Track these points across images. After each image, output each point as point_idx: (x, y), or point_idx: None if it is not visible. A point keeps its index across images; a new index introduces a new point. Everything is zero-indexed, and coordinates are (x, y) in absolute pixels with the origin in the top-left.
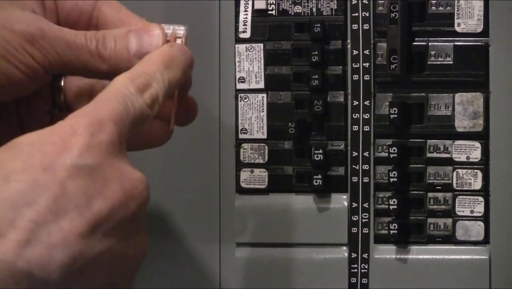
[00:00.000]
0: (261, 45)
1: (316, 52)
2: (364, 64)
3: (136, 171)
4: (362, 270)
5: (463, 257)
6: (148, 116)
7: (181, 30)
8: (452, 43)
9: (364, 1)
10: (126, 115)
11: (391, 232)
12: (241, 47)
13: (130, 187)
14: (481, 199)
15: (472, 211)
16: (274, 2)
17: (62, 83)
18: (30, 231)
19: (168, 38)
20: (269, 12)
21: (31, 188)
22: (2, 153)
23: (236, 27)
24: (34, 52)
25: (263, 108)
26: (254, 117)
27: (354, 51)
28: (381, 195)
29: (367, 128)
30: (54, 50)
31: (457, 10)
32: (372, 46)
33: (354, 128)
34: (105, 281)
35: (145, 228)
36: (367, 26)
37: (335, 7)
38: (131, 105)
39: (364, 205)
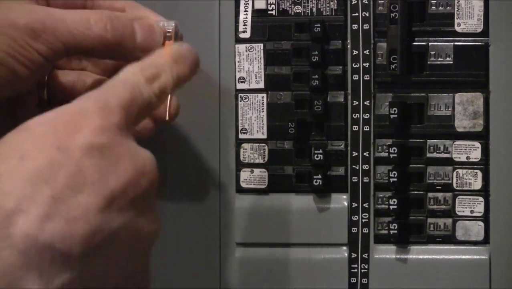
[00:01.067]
0: (261, 45)
1: (316, 52)
2: (364, 64)
3: (145, 150)
4: (362, 270)
5: (463, 257)
6: (155, 105)
7: (170, 26)
8: (452, 43)
9: (364, 1)
10: (133, 102)
11: (391, 232)
12: (241, 47)
13: (141, 165)
14: (481, 199)
15: (472, 211)
16: (274, 2)
17: (46, 79)
18: (50, 205)
19: (168, 35)
20: (269, 12)
21: (47, 165)
22: (14, 135)
23: (236, 27)
24: (39, 47)
25: (263, 108)
26: (254, 117)
27: (354, 51)
28: (381, 195)
29: (367, 128)
30: (58, 40)
31: (457, 10)
32: (372, 46)
33: (354, 128)
34: (123, 259)
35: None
36: (367, 26)
37: (335, 7)
38: (139, 93)
39: (364, 205)
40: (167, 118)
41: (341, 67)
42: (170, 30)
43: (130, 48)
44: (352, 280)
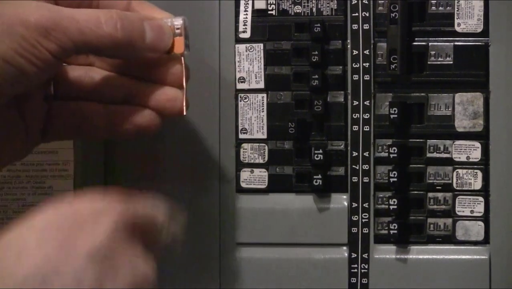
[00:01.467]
0: (261, 45)
1: (316, 52)
2: (364, 64)
3: (148, 261)
4: (362, 270)
5: (463, 257)
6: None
7: (179, 22)
8: (452, 43)
9: (364, 1)
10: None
11: (391, 232)
12: (241, 47)
13: (141, 280)
14: (481, 199)
15: (472, 211)
16: (274, 2)
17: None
18: None
19: (177, 32)
20: (269, 12)
21: (45, 263)
22: (16, 231)
23: (236, 27)
24: (49, 45)
25: (263, 108)
26: (254, 117)
27: (354, 51)
28: (381, 195)
29: (367, 128)
30: (68, 39)
31: (457, 10)
32: (372, 46)
33: (354, 128)
34: None
35: None
36: (367, 26)
37: (335, 7)
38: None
39: (364, 205)
40: (184, 113)
41: (341, 67)
42: (179, 26)
43: (140, 47)
44: (352, 280)
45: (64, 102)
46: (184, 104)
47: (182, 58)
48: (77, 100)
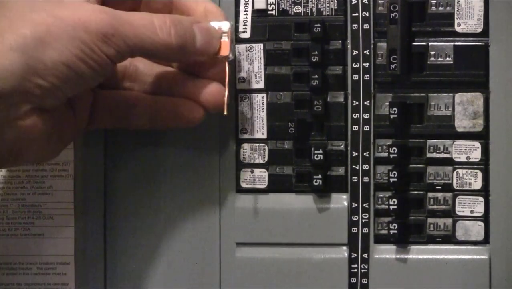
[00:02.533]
0: (261, 45)
1: (316, 52)
2: (364, 64)
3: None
4: (362, 270)
5: (463, 257)
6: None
7: (226, 26)
8: (452, 43)
9: (364, 1)
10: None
11: (391, 232)
12: (241, 47)
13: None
14: (481, 199)
15: (472, 211)
16: (274, 2)
17: None
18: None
19: (224, 35)
20: (269, 12)
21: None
22: None
23: (236, 27)
24: (108, 50)
25: (263, 108)
26: (254, 117)
27: (354, 51)
28: (381, 195)
29: (367, 128)
30: (126, 44)
31: (457, 10)
32: (372, 46)
33: (354, 128)
34: None
35: None
36: (367, 26)
37: (335, 7)
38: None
39: (364, 205)
40: (225, 112)
41: (341, 67)
42: (226, 30)
43: (191, 52)
44: (352, 280)
45: (109, 91)
46: (226, 104)
47: (227, 61)
48: (122, 89)
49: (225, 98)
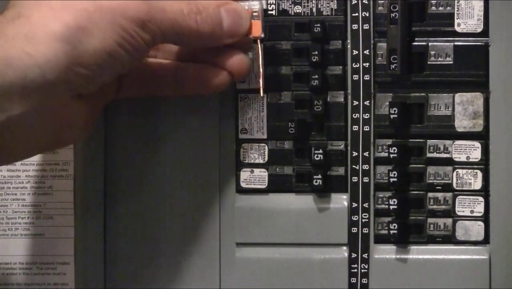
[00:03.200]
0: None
1: (316, 52)
2: (364, 64)
3: None
4: (362, 270)
5: (463, 257)
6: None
7: (256, 5)
8: (452, 43)
9: (364, 1)
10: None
11: (391, 232)
12: None
13: None
14: (481, 199)
15: (472, 211)
16: (274, 2)
17: None
18: None
19: (254, 14)
20: (269, 12)
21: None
22: None
23: None
24: (144, 36)
25: (263, 108)
26: (254, 117)
27: (354, 51)
28: (381, 195)
29: (367, 128)
30: (160, 30)
31: (457, 10)
32: (372, 46)
33: (354, 128)
34: None
35: None
36: (367, 26)
37: (335, 7)
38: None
39: (364, 205)
40: (261, 94)
41: (341, 67)
42: (257, 9)
43: (218, 36)
44: (352, 280)
45: None
46: (261, 86)
47: (259, 41)
48: (146, 56)
49: (260, 80)
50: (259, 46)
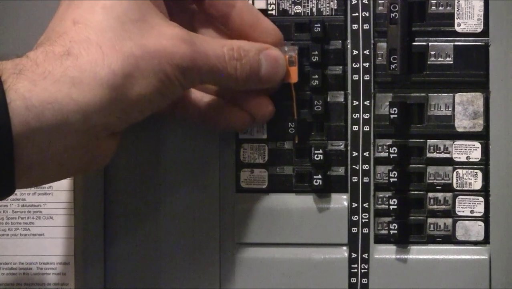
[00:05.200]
0: None
1: (316, 52)
2: (364, 64)
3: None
4: (362, 270)
5: (463, 257)
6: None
7: (293, 51)
8: (452, 43)
9: (364, 1)
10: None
11: (391, 232)
12: None
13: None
14: (481, 199)
15: (472, 211)
16: (274, 2)
17: None
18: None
19: (291, 60)
20: (269, 12)
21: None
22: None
23: None
24: (185, 83)
25: None
26: None
27: (354, 51)
28: (381, 195)
29: (367, 128)
30: (199, 76)
31: (457, 10)
32: (372, 46)
33: (354, 128)
34: None
35: None
36: (367, 26)
37: (335, 7)
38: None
39: (364, 205)
40: (296, 141)
41: (341, 67)
42: (293, 55)
43: (254, 82)
44: (352, 280)
45: None
46: (296, 131)
47: (293, 86)
48: None
49: (294, 110)
50: (293, 92)
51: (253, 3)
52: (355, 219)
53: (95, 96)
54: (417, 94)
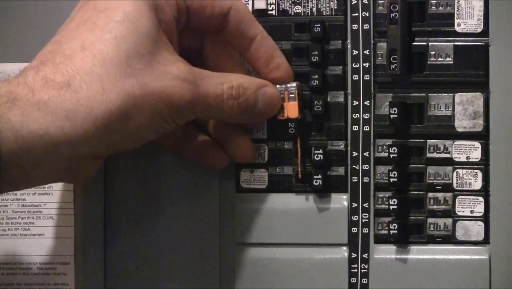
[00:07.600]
0: None
1: (316, 52)
2: (364, 64)
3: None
4: (362, 270)
5: (463, 257)
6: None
7: (293, 87)
8: (452, 43)
9: (364, 1)
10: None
11: (391, 232)
12: None
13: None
14: (481, 199)
15: (472, 211)
16: (274, 2)
17: None
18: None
19: (282, 96)
20: (269, 12)
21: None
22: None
23: None
24: (179, 120)
25: None
26: None
27: (354, 51)
28: (381, 195)
29: (367, 128)
30: (195, 115)
31: (457, 10)
32: (372, 46)
33: (354, 128)
34: None
35: None
36: (367, 26)
37: (335, 7)
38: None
39: (364, 205)
40: (299, 176)
41: (341, 67)
42: (293, 91)
43: (246, 117)
44: (352, 280)
45: None
46: (300, 169)
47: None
48: None
49: (299, 168)
50: (298, 142)
51: (252, 3)
52: (355, 219)
53: (87, 132)
54: (417, 94)
